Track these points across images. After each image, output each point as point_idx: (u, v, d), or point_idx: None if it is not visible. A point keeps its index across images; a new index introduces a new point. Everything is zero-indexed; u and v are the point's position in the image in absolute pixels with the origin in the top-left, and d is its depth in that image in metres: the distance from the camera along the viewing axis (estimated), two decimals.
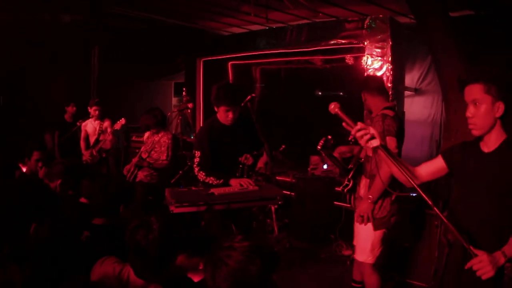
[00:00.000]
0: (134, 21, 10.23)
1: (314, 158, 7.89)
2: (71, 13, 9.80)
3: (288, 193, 7.62)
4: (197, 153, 5.06)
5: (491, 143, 2.91)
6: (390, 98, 6.61)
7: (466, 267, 2.70)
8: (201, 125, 10.63)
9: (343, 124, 2.92)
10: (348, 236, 6.77)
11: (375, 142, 2.79)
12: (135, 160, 7.11)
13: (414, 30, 7.93)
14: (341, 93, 10.90)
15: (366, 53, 7.90)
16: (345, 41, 8.31)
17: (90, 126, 8.63)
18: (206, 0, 8.51)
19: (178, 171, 7.06)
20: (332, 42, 8.50)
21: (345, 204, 7.10)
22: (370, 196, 4.48)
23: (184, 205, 4.41)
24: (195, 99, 11.19)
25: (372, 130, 2.81)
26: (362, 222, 4.55)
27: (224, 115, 4.94)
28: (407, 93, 8.48)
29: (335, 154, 5.16)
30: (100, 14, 9.52)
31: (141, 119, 7.28)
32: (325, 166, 7.74)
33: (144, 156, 7.04)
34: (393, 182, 4.29)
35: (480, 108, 2.83)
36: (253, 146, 5.22)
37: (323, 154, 5.20)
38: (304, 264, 6.50)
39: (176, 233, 2.77)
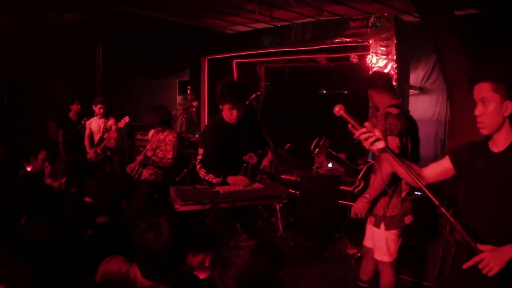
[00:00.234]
0: (138, 19, 10.24)
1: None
2: (73, 13, 9.83)
3: (293, 191, 7.61)
4: (200, 151, 5.08)
5: (501, 142, 2.88)
6: None
7: (470, 264, 2.69)
8: (205, 123, 10.63)
9: (349, 126, 2.91)
10: (353, 235, 6.80)
11: (380, 144, 2.79)
12: (139, 158, 7.11)
13: (419, 28, 7.92)
14: (345, 92, 10.90)
15: (370, 51, 7.90)
16: (350, 40, 8.31)
17: (94, 124, 8.65)
18: None
19: (183, 170, 7.07)
20: (336, 40, 8.50)
21: (350, 203, 7.10)
22: (367, 195, 4.47)
23: (189, 203, 4.42)
24: (200, 97, 11.18)
25: (377, 132, 2.80)
26: (356, 217, 4.58)
27: (228, 113, 4.94)
28: (412, 91, 8.48)
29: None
30: (103, 13, 9.53)
31: (145, 117, 7.26)
32: (330, 165, 7.73)
33: (149, 154, 7.04)
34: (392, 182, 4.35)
35: (488, 106, 2.81)
36: (258, 145, 5.22)
37: (321, 155, 5.19)
38: (309, 262, 6.49)
39: (186, 235, 2.75)
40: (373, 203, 4.53)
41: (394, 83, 7.26)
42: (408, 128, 4.42)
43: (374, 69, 7.72)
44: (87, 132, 8.73)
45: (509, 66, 2.86)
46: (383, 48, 7.69)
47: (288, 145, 7.27)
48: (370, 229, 4.74)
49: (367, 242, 4.84)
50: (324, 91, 11.63)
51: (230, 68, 11.54)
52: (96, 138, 8.62)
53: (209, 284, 2.20)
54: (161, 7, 9.33)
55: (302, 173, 7.92)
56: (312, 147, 5.09)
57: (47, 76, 10.07)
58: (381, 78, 4.88)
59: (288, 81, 11.88)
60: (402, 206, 4.44)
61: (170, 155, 7.02)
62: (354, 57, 9.26)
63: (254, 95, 5.25)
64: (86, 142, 8.73)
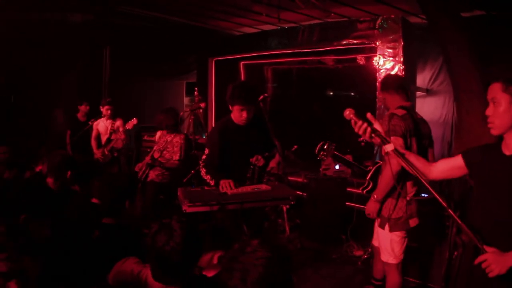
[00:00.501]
0: (145, 20, 10.27)
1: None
2: (81, 13, 9.86)
3: (300, 193, 7.61)
4: (206, 151, 5.11)
5: None
6: None
7: (475, 263, 2.71)
8: (213, 124, 10.65)
9: (352, 122, 2.95)
10: (359, 237, 6.81)
11: (389, 147, 2.82)
12: (147, 158, 7.13)
13: (426, 30, 7.91)
14: (352, 93, 10.90)
15: (378, 53, 7.90)
16: (357, 41, 8.32)
17: (102, 125, 8.67)
18: (218, 0, 8.53)
19: (190, 171, 7.09)
20: (344, 42, 8.50)
21: (356, 205, 7.11)
22: (375, 195, 4.52)
23: (196, 204, 4.40)
24: (207, 98, 11.20)
25: (376, 125, 2.90)
26: (372, 218, 4.62)
27: (238, 114, 4.94)
28: (418, 93, 8.47)
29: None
30: (110, 13, 9.56)
31: (158, 117, 7.23)
32: (337, 167, 7.74)
33: (156, 155, 7.06)
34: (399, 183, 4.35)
35: (498, 107, 2.82)
36: (266, 146, 5.23)
37: (326, 158, 5.19)
38: (315, 264, 6.48)
39: (197, 237, 2.75)
40: (381, 203, 4.57)
41: None
42: (414, 129, 4.42)
43: (381, 71, 7.73)
44: (94, 133, 8.75)
45: None
46: (390, 50, 7.69)
47: (296, 147, 7.29)
48: (376, 229, 4.78)
49: (375, 241, 4.89)
50: (331, 93, 11.64)
51: (237, 69, 11.56)
52: (103, 139, 8.63)
53: (219, 282, 2.21)
54: (169, 8, 9.36)
55: (309, 175, 7.91)
56: (316, 151, 5.10)
57: (54, 76, 10.10)
58: (394, 81, 4.89)
59: (295, 83, 11.90)
60: (408, 208, 4.47)
61: (177, 157, 7.04)
62: (361, 59, 9.28)
63: (261, 97, 5.27)
64: (93, 143, 8.75)
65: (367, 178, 4.95)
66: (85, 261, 3.20)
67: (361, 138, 4.24)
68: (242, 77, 11.52)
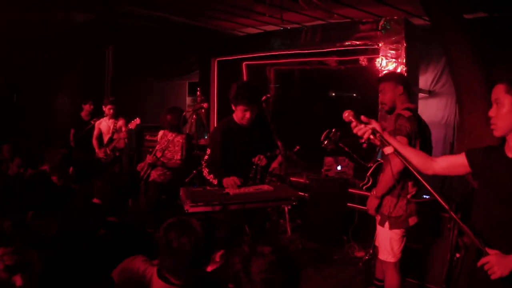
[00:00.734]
0: (148, 20, 10.28)
1: (328, 159, 7.90)
2: (83, 13, 9.87)
3: (302, 194, 7.61)
4: (208, 151, 5.13)
5: None
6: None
7: (478, 265, 2.71)
8: (215, 125, 10.65)
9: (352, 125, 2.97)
10: (361, 238, 6.81)
11: (389, 150, 2.84)
12: (149, 158, 7.13)
13: (428, 31, 7.92)
14: (355, 95, 10.90)
15: (380, 54, 7.89)
16: (360, 43, 8.30)
17: (104, 124, 8.68)
18: (221, 0, 8.53)
19: (192, 171, 7.09)
20: (346, 43, 8.49)
21: (358, 206, 7.12)
22: (374, 191, 4.60)
23: (199, 204, 4.41)
24: (209, 98, 11.20)
25: (374, 123, 2.94)
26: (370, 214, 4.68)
27: (241, 115, 4.95)
28: (421, 95, 8.47)
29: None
30: (113, 13, 9.57)
31: (164, 117, 7.23)
32: (339, 168, 7.75)
33: (158, 155, 7.07)
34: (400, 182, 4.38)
35: (501, 108, 2.82)
36: (268, 147, 5.24)
37: (330, 147, 5.19)
38: (317, 265, 6.46)
39: (215, 239, 2.75)
40: (380, 202, 4.61)
41: None
42: (419, 132, 4.47)
43: (384, 72, 7.72)
44: (95, 133, 8.76)
45: None
46: (393, 51, 7.69)
47: (298, 147, 7.29)
48: (377, 227, 4.82)
49: (377, 241, 4.91)
50: (334, 94, 11.64)
51: (239, 70, 11.54)
52: (106, 138, 8.64)
53: (221, 278, 2.22)
54: (171, 8, 9.36)
55: (311, 176, 7.93)
56: (322, 138, 5.10)
57: (55, 76, 10.12)
58: (403, 77, 4.91)
59: (297, 84, 11.89)
60: (407, 207, 4.51)
61: (178, 156, 7.06)
62: (363, 60, 9.27)
63: (264, 97, 5.27)
64: (94, 142, 8.76)
65: (367, 175, 4.99)
66: (90, 259, 3.21)
67: (362, 140, 4.30)
68: (245, 78, 11.50)
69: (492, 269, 2.64)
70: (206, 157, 5.13)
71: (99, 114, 8.78)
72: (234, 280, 2.16)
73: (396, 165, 4.06)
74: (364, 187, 5.03)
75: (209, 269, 3.11)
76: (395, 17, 7.72)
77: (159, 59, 11.70)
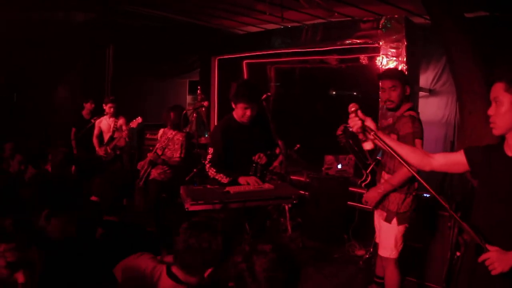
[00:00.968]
0: (148, 19, 10.28)
1: (329, 158, 7.90)
2: (83, 12, 9.87)
3: (302, 192, 7.61)
4: (210, 150, 5.11)
5: None
6: None
7: (478, 261, 2.72)
8: (215, 123, 10.66)
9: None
10: (361, 236, 6.82)
11: (368, 146, 2.95)
12: (150, 155, 7.13)
13: (429, 30, 7.92)
14: (355, 93, 10.89)
15: (381, 53, 7.89)
16: (360, 41, 8.30)
17: (104, 123, 8.69)
18: None
19: (192, 169, 7.09)
20: (347, 42, 8.49)
21: (359, 204, 7.12)
22: (382, 188, 4.60)
23: (199, 203, 4.41)
24: (210, 97, 11.20)
25: (369, 122, 2.93)
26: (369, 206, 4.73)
27: (241, 113, 4.96)
28: (421, 93, 8.47)
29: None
30: (113, 12, 9.57)
31: (168, 114, 7.21)
32: (339, 166, 7.75)
33: (159, 153, 7.07)
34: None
35: (500, 106, 2.80)
36: (267, 145, 5.25)
37: (343, 141, 5.19)
38: (317, 264, 6.47)
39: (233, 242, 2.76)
40: (384, 198, 4.64)
41: None
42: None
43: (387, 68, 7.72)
44: (96, 131, 8.77)
45: None
46: (393, 50, 7.68)
47: (298, 146, 7.28)
48: (378, 225, 4.86)
49: (378, 238, 4.96)
50: (334, 92, 11.62)
51: (240, 68, 11.54)
52: (106, 137, 8.64)
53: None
54: (171, 7, 9.36)
55: (312, 174, 7.93)
56: (338, 131, 5.11)
57: (55, 75, 10.13)
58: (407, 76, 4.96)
59: (298, 82, 11.87)
60: (412, 203, 4.59)
61: (178, 154, 7.05)
62: (364, 59, 9.27)
63: (265, 96, 5.27)
64: (95, 141, 8.76)
65: (367, 172, 5.01)
66: (90, 258, 3.21)
67: (339, 132, 4.38)
68: (245, 76, 11.51)
69: (493, 265, 2.64)
70: (209, 156, 5.11)
71: (100, 113, 8.78)
72: (236, 280, 2.17)
73: (402, 174, 4.13)
74: (363, 184, 5.05)
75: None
76: (396, 16, 7.72)
77: (160, 57, 11.71)
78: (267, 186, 4.92)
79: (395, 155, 2.88)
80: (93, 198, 4.31)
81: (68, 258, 3.11)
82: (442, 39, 6.38)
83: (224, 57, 11.32)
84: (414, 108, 4.64)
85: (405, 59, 7.54)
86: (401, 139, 4.34)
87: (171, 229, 6.04)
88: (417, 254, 5.67)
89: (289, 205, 7.17)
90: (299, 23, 9.53)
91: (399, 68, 7.49)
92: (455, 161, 3.14)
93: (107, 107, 8.57)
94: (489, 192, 2.96)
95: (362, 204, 5.26)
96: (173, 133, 7.09)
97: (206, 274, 2.66)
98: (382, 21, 7.83)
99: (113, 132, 8.51)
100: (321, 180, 7.70)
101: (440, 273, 5.19)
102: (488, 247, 2.68)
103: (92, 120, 8.78)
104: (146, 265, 2.79)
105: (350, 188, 7.59)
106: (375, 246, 5.28)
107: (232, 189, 4.69)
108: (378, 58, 8.06)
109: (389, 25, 7.74)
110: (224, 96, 4.97)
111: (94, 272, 3.03)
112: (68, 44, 9.61)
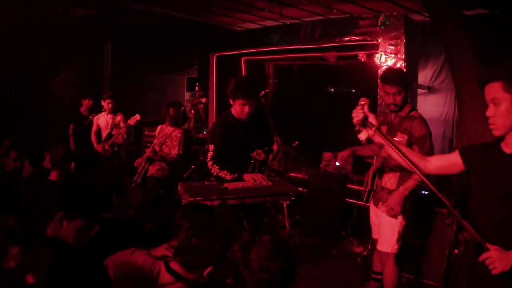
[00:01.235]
0: (147, 16, 10.28)
1: (327, 155, 7.87)
2: (83, 8, 9.86)
3: (300, 189, 7.61)
4: (211, 147, 5.08)
5: None
6: None
7: (479, 260, 2.71)
8: (213, 120, 10.65)
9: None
10: (359, 233, 6.82)
11: (363, 136, 2.91)
12: (148, 152, 7.12)
13: (428, 28, 7.92)
14: (354, 90, 10.89)
15: (379, 50, 7.88)
16: (359, 38, 8.29)
17: (102, 119, 8.66)
18: None
19: (190, 166, 7.07)
20: (346, 38, 8.48)
21: (357, 201, 7.11)
22: (406, 192, 4.55)
23: (197, 199, 4.41)
24: (208, 93, 11.20)
25: (371, 118, 2.92)
26: (392, 215, 4.63)
27: (240, 109, 4.95)
28: (420, 91, 8.47)
29: (339, 161, 5.33)
30: (112, 8, 9.56)
31: (168, 110, 7.20)
32: (337, 163, 7.74)
33: (156, 149, 7.06)
34: None
35: (500, 107, 2.75)
36: (266, 142, 5.25)
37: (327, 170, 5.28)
38: (315, 260, 6.48)
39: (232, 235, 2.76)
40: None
41: None
42: None
43: (383, 68, 7.70)
44: (94, 128, 8.74)
45: None
46: (392, 47, 7.67)
47: (296, 142, 7.28)
48: (376, 221, 4.89)
49: (375, 234, 4.98)
50: (333, 89, 11.62)
51: (238, 65, 11.52)
52: (104, 134, 8.61)
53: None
54: (170, 3, 9.36)
55: (310, 171, 7.92)
56: (322, 165, 5.20)
57: (55, 72, 10.11)
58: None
59: (296, 79, 11.87)
60: (412, 200, 4.66)
61: (175, 151, 7.04)
62: (362, 56, 9.25)
63: (263, 92, 5.27)
64: (93, 137, 8.74)
65: (368, 181, 5.03)
66: (87, 257, 3.19)
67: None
68: (244, 73, 11.50)
69: (493, 264, 2.64)
70: (210, 153, 5.08)
71: (98, 110, 8.76)
72: (232, 268, 2.17)
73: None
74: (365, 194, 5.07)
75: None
76: (395, 13, 7.71)
77: (158, 54, 11.69)
78: (265, 182, 4.91)
79: (396, 152, 2.87)
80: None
81: (67, 257, 3.10)
82: (441, 36, 6.36)
83: (223, 53, 11.29)
84: (415, 107, 4.65)
85: (403, 56, 7.53)
86: (416, 140, 4.46)
87: (169, 225, 6.04)
88: (415, 251, 5.67)
89: (287, 202, 7.15)
90: (297, 20, 9.52)
91: (398, 65, 7.48)
92: (451, 162, 3.14)
93: (105, 103, 8.54)
94: (486, 190, 2.95)
95: (360, 201, 5.26)
96: (171, 129, 7.08)
97: (205, 273, 2.65)
98: (381, 18, 7.82)
99: (111, 129, 8.49)
100: (319, 177, 7.69)
101: (437, 270, 5.21)
102: (489, 246, 2.67)
103: (90, 117, 8.75)
104: (143, 261, 2.77)
105: (348, 185, 7.59)
106: (373, 243, 5.28)
107: (230, 186, 4.69)
108: (376, 55, 8.04)
109: (388, 22, 7.72)
110: (222, 93, 4.97)
111: (93, 272, 3.02)
112: (67, 40, 9.58)
